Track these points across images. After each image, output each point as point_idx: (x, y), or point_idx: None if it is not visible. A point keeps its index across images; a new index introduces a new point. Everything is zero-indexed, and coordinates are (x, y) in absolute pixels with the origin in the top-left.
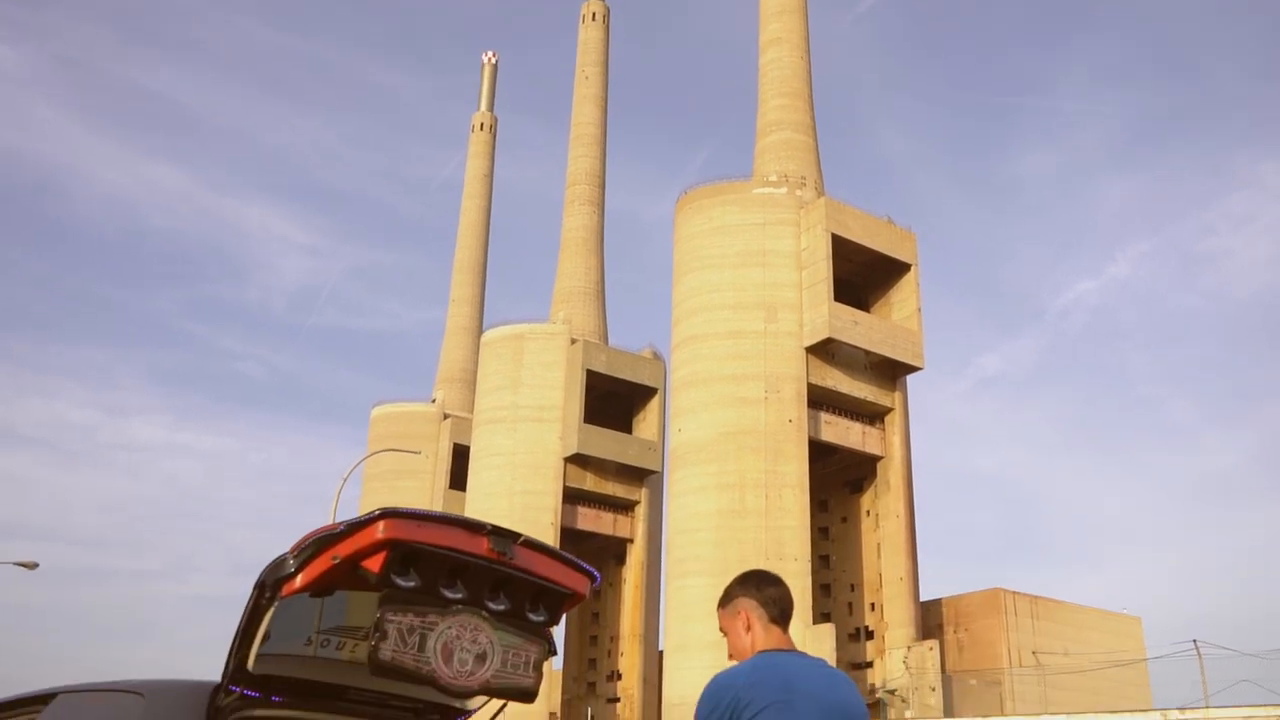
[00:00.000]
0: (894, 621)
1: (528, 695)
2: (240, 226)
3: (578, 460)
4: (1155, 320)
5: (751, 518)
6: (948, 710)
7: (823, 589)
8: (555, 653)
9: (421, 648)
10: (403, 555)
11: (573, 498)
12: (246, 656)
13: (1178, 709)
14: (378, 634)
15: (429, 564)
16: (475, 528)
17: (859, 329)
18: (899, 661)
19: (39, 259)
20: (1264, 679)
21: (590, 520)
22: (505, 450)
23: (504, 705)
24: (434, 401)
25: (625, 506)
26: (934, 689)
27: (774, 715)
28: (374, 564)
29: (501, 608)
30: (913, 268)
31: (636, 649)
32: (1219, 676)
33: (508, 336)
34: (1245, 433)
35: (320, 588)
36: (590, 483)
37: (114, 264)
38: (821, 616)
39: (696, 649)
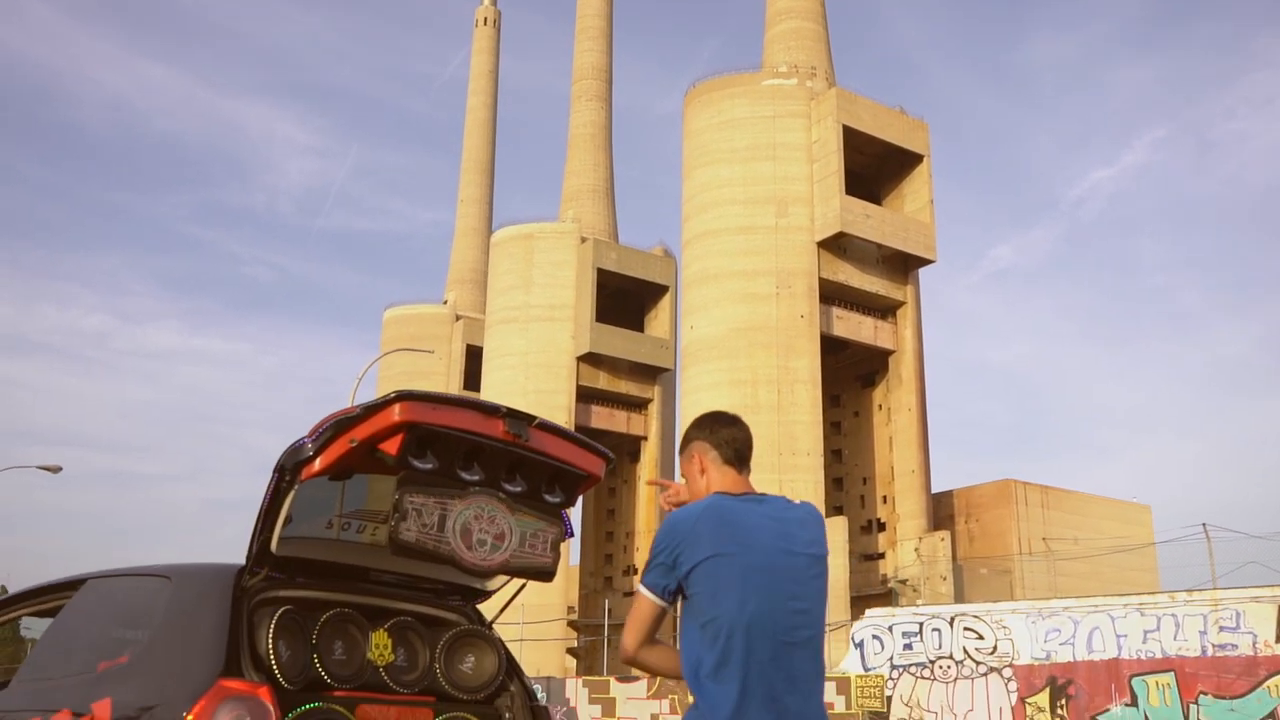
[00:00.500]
0: (906, 513)
1: (546, 574)
2: (243, 128)
3: (590, 359)
4: (1169, 208)
5: (764, 413)
6: (958, 598)
7: (835, 483)
8: (572, 534)
9: (441, 528)
10: (419, 438)
11: (586, 397)
12: (269, 539)
13: (1185, 591)
14: (397, 515)
15: (446, 446)
16: (490, 410)
17: (871, 222)
18: (910, 552)
19: (43, 165)
20: (1272, 560)
21: (604, 419)
22: (518, 350)
23: (523, 586)
24: (446, 303)
25: (639, 405)
26: (945, 578)
27: (709, 570)
28: (391, 446)
29: (518, 489)
30: (925, 159)
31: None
32: (1227, 559)
33: (517, 236)
34: (1254, 321)
35: (339, 471)
36: (603, 381)
37: (117, 169)
38: (834, 509)
39: None
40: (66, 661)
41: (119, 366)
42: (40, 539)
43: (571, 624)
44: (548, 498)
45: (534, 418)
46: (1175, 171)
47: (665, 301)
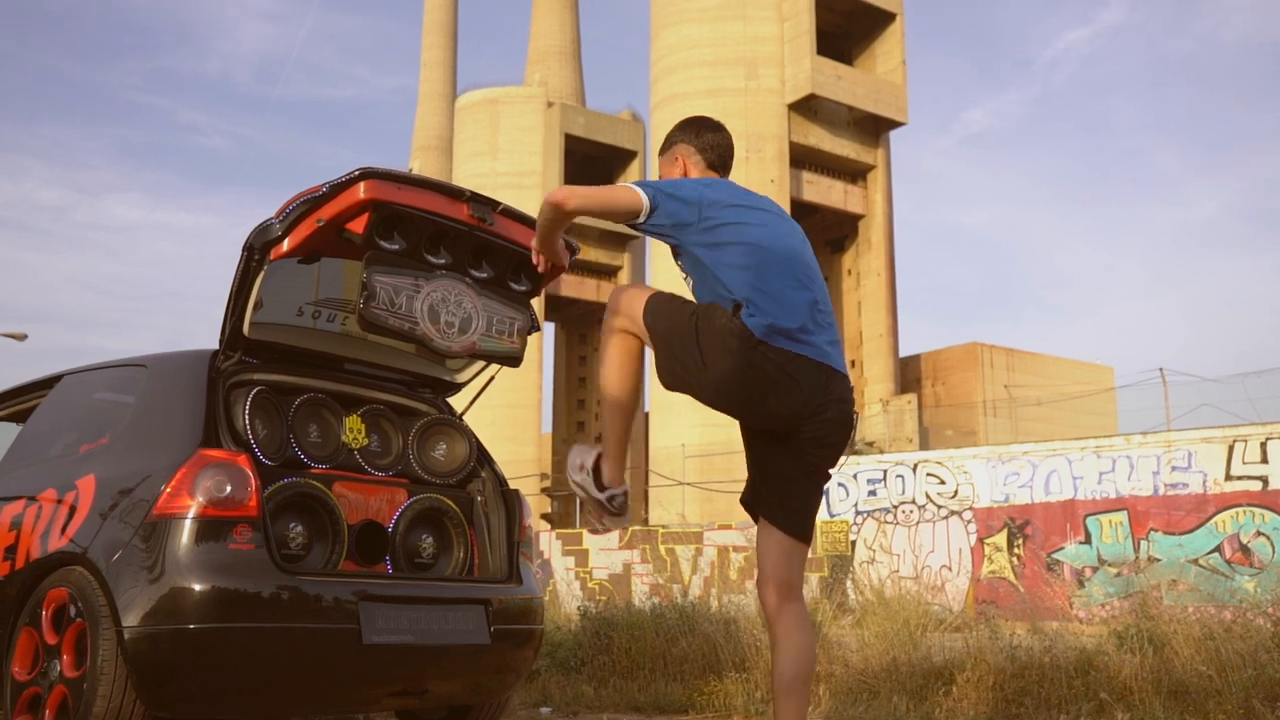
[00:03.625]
0: (873, 377)
1: (514, 360)
2: None
3: None
4: (1145, 68)
5: None
6: None
7: None
8: (539, 328)
9: (409, 308)
10: (386, 218)
11: (558, 267)
12: (241, 322)
13: (1140, 434)
14: (365, 293)
15: (413, 228)
16: (455, 193)
17: (842, 84)
18: (877, 413)
19: None
20: (1224, 403)
21: (573, 287)
22: None
23: (492, 378)
24: (411, 170)
25: (609, 273)
26: (911, 440)
27: (740, 215)
28: (358, 226)
29: (484, 275)
30: (898, 17)
31: None
32: (1182, 403)
33: (482, 101)
34: (1229, 181)
35: (307, 252)
36: None
37: (64, 37)
38: None
39: (680, 408)
40: (48, 448)
41: (80, 240)
42: None
43: (545, 491)
44: (514, 285)
45: (499, 203)
46: (1151, 30)
47: (634, 168)
